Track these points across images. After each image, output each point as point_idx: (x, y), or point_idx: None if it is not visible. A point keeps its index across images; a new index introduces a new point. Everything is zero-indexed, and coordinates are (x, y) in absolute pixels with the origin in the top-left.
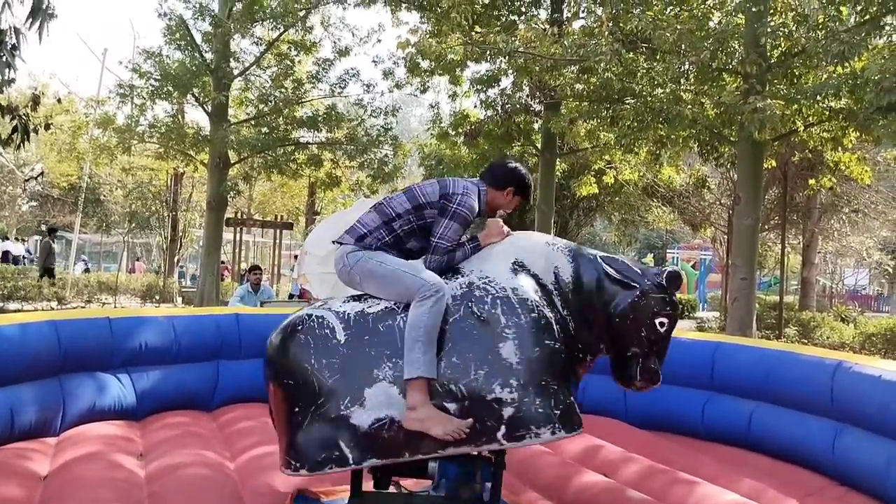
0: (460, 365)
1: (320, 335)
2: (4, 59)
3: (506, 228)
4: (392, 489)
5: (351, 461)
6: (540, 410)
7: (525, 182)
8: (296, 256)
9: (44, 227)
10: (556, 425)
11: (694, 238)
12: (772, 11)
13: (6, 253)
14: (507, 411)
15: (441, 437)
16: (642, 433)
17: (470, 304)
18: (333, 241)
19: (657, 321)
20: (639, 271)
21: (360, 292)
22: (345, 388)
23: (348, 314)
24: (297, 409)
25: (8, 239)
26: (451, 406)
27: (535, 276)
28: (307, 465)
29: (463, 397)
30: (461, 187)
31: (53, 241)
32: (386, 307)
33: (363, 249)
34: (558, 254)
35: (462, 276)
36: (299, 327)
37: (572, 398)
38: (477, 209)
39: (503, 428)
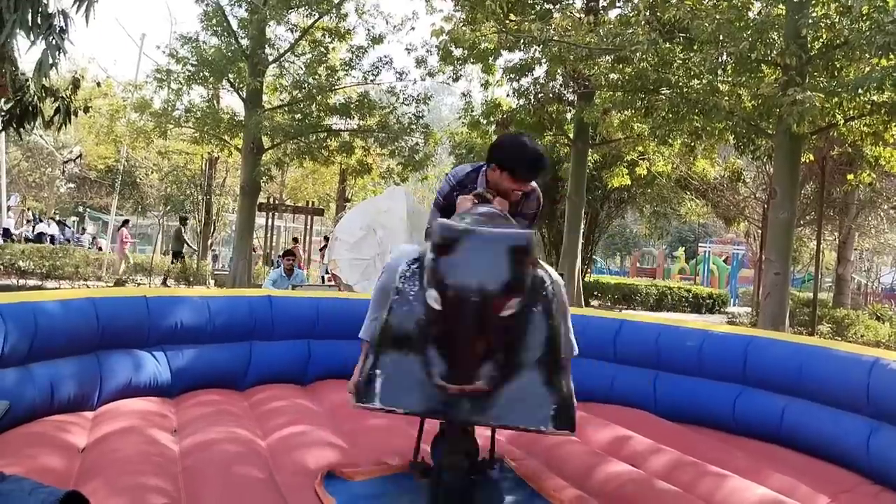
0: None
1: None
2: (54, 41)
3: (468, 205)
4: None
5: None
6: None
7: (499, 153)
8: (295, 239)
9: (80, 209)
10: None
11: (727, 232)
12: (814, 2)
13: (41, 235)
14: None
15: None
16: (671, 425)
17: None
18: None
19: None
20: None
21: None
22: None
23: None
24: None
25: (42, 221)
26: None
27: None
28: None
29: None
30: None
31: (184, 229)
32: None
33: None
34: None
35: None
36: None
37: None
38: (443, 192)
39: None
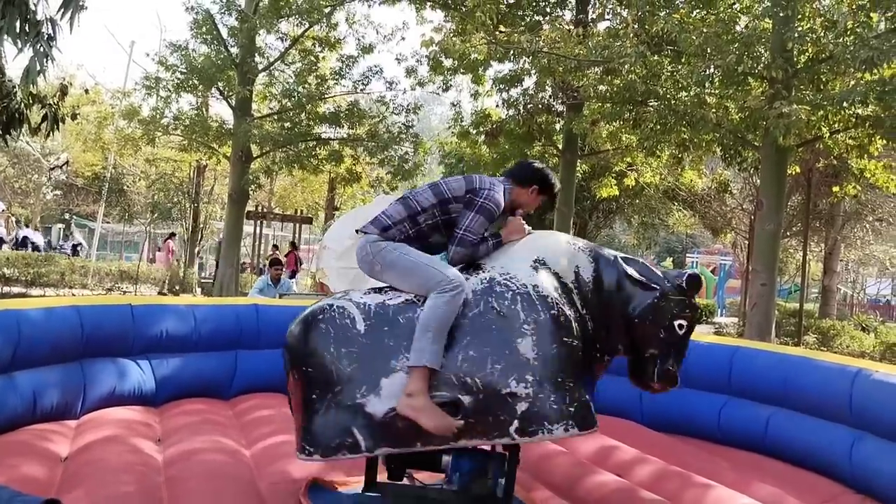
0: (477, 358)
1: (340, 324)
2: (42, 49)
3: (527, 227)
4: (405, 481)
5: (363, 448)
6: (554, 407)
7: (549, 181)
8: (275, 246)
9: (67, 216)
10: (570, 422)
11: (714, 243)
12: (799, 17)
13: (25, 238)
14: (521, 406)
15: (430, 430)
16: (658, 435)
17: (490, 298)
18: (357, 231)
19: (676, 323)
20: (659, 273)
21: (380, 285)
22: (362, 377)
23: (369, 305)
24: (314, 396)
25: (28, 227)
26: (466, 399)
27: (556, 275)
28: (321, 450)
29: (478, 390)
30: (488, 183)
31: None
32: (406, 300)
33: (386, 240)
34: (580, 253)
35: (483, 272)
36: (320, 316)
37: (588, 397)
38: (502, 204)
39: (516, 422)
